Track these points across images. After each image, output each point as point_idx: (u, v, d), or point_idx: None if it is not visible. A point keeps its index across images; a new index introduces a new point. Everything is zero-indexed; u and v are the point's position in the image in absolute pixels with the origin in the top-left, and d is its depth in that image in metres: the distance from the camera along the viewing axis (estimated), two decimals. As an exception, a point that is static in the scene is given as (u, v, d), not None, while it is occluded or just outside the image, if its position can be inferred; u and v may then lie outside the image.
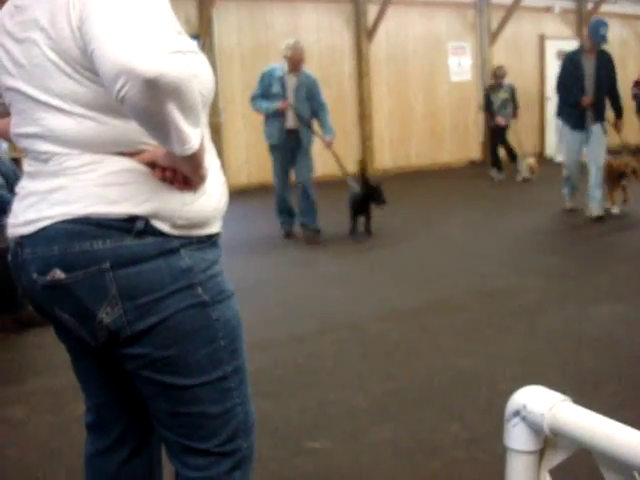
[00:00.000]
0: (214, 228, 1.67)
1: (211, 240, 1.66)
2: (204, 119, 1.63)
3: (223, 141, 11.64)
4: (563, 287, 5.42)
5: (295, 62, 7.33)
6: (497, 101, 12.03)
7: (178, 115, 1.32)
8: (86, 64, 1.42)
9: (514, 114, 12.24)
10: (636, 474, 0.96)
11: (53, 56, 1.46)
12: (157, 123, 1.33)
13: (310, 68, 13.27)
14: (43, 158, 1.54)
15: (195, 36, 11.37)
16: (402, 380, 3.76)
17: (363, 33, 12.91)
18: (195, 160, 1.45)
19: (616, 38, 16.27)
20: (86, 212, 1.49)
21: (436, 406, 3.42)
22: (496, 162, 12.18)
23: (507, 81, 12.29)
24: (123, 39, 1.28)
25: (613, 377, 3.69)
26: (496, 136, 12.20)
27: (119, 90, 1.28)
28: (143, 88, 1.27)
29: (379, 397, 3.55)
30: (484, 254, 6.69)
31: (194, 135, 1.38)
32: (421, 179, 12.68)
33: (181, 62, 1.31)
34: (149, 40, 1.29)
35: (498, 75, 12.20)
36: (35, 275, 1.55)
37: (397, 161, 13.72)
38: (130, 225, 1.50)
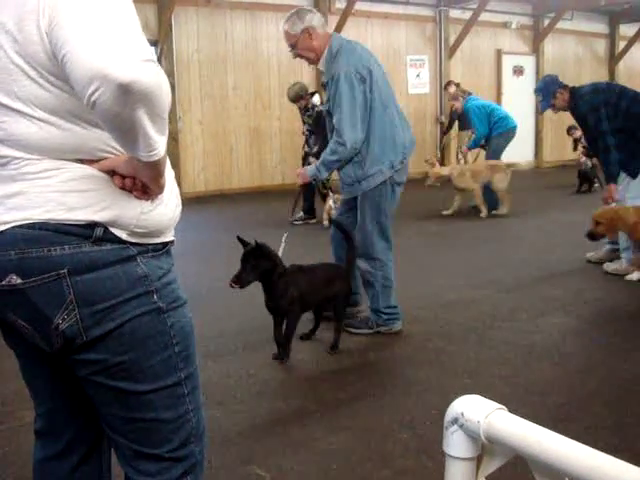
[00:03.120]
0: (168, 237, 1.69)
1: (165, 248, 1.68)
2: None
3: (180, 148, 11.61)
4: (514, 299, 5.50)
5: None
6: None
7: (147, 122, 1.34)
8: (52, 69, 1.42)
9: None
10: (568, 480, 0.99)
11: (18, 60, 1.44)
12: (127, 129, 1.35)
13: (270, 78, 13.37)
14: (0, 162, 1.52)
15: (153, 42, 11.32)
16: (354, 389, 3.78)
17: (323, 44, 12.97)
18: (157, 168, 1.48)
19: (571, 55, 16.66)
20: (45, 218, 1.48)
21: (387, 415, 3.44)
22: None
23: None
24: (98, 44, 1.30)
25: (561, 388, 3.76)
26: None
27: (91, 94, 1.30)
28: (116, 93, 1.28)
29: (331, 406, 3.57)
30: (437, 266, 6.76)
31: (161, 142, 1.41)
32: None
33: (154, 70, 1.33)
34: (124, 47, 1.31)
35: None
36: None
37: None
38: (89, 232, 1.51)
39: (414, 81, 14.61)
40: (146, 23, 11.19)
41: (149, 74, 1.31)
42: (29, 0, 1.39)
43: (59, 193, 1.49)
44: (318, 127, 8.70)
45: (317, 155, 8.16)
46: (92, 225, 1.51)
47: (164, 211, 1.63)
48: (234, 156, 12.44)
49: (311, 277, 4.38)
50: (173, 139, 11.33)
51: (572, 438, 1.01)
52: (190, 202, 11.15)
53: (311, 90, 9.27)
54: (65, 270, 1.49)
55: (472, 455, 1.09)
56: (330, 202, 8.41)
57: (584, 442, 1.02)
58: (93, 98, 1.30)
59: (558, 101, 6.47)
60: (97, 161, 1.52)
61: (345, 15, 12.91)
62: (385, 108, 4.39)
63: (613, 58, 18.27)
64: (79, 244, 1.50)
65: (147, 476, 1.72)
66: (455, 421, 1.08)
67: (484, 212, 9.63)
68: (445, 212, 9.91)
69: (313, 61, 4.61)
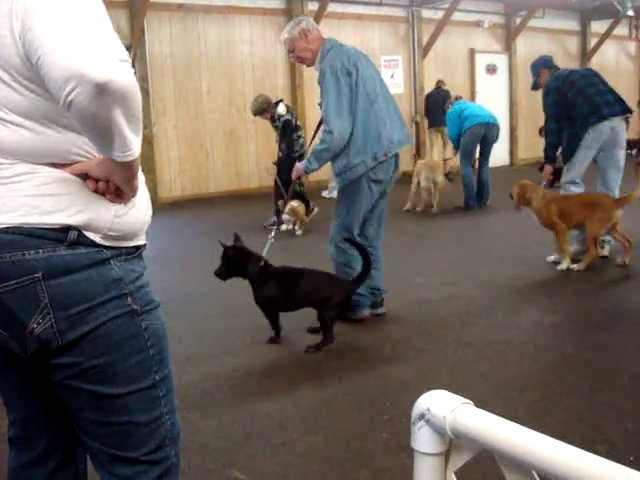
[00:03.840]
0: (141, 240, 1.70)
1: (138, 252, 1.69)
2: None
3: (155, 153, 11.56)
4: (490, 296, 5.54)
5: None
6: None
7: (123, 122, 1.36)
8: (26, 73, 1.42)
9: None
10: (534, 473, 1.00)
11: None
12: (102, 128, 1.36)
13: (243, 80, 13.35)
14: None
15: (126, 47, 11.23)
16: (333, 390, 3.79)
17: (296, 46, 12.98)
18: (131, 169, 1.49)
19: (543, 53, 16.73)
20: (19, 222, 1.48)
21: (366, 414, 3.45)
22: None
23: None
24: (74, 45, 1.31)
25: (538, 383, 3.79)
26: None
27: (68, 94, 1.30)
28: (93, 93, 1.30)
29: (310, 407, 3.57)
30: (414, 264, 6.79)
31: (136, 142, 1.42)
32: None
33: (129, 70, 1.35)
34: (100, 47, 1.33)
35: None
36: None
37: (329, 173, 13.80)
38: (63, 235, 1.51)
39: (388, 81, 14.50)
40: (119, 28, 11.13)
41: (125, 74, 1.33)
42: (2, 4, 1.39)
43: (33, 197, 1.49)
44: (285, 137, 8.91)
45: (286, 160, 8.49)
46: (66, 229, 1.51)
47: (137, 214, 1.64)
48: (210, 160, 12.40)
49: (295, 280, 4.50)
50: (148, 144, 11.28)
51: (550, 432, 1.02)
52: (167, 207, 11.12)
53: (276, 99, 9.23)
54: (40, 274, 1.49)
55: (440, 450, 1.10)
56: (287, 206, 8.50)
57: (562, 436, 1.03)
58: (70, 98, 1.30)
59: (541, 80, 6.95)
60: (70, 165, 1.53)
61: (318, 17, 12.91)
62: (372, 103, 4.60)
63: (585, 55, 18.42)
64: (53, 248, 1.50)
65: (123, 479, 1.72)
66: (422, 417, 1.09)
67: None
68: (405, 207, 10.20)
69: (310, 62, 4.87)
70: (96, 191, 1.54)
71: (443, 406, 1.07)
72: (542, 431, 1.02)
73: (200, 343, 4.62)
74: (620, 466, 0.94)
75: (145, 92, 11.33)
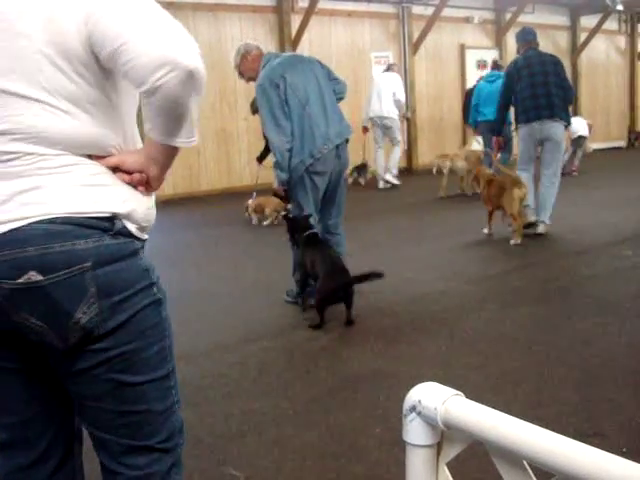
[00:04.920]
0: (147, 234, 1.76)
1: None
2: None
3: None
4: (483, 290, 5.55)
5: None
6: None
7: (195, 109, 1.51)
8: (86, 60, 1.47)
9: None
10: (525, 462, 1.01)
11: (48, 50, 1.46)
12: (179, 114, 1.49)
13: (235, 79, 13.29)
14: (6, 158, 1.49)
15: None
16: (327, 385, 3.79)
17: (287, 43, 12.99)
18: (172, 160, 1.64)
19: (533, 47, 16.78)
20: (68, 211, 1.50)
21: (360, 410, 3.46)
22: None
23: None
24: (164, 35, 1.43)
25: (531, 376, 3.80)
26: None
27: (159, 78, 1.41)
28: (184, 78, 1.42)
29: (304, 403, 3.58)
30: (407, 259, 6.80)
31: (197, 130, 1.57)
32: (347, 186, 12.77)
33: (203, 63, 1.46)
34: (186, 38, 1.45)
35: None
36: None
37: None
38: (109, 225, 1.55)
39: (379, 78, 14.64)
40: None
41: (203, 66, 1.46)
42: None
43: (81, 187, 1.52)
44: None
45: None
46: (112, 218, 1.55)
47: (155, 208, 1.73)
48: (201, 158, 12.39)
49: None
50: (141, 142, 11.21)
51: (542, 424, 1.03)
52: (159, 206, 10.99)
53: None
54: (89, 263, 1.52)
55: (431, 442, 1.10)
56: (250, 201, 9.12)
57: (555, 428, 1.03)
58: (160, 82, 1.41)
59: (519, 51, 7.83)
60: (104, 157, 1.58)
61: (308, 14, 12.92)
62: (304, 107, 5.03)
63: (575, 50, 18.47)
64: (100, 237, 1.53)
65: (137, 469, 1.73)
66: (413, 409, 1.10)
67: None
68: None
69: (256, 79, 5.26)
70: (130, 183, 1.60)
71: (434, 398, 1.08)
72: (535, 423, 1.03)
73: (194, 340, 4.61)
74: (612, 455, 0.94)
75: (136, 91, 11.30)
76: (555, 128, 7.31)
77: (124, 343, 1.61)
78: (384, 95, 12.27)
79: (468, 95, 12.82)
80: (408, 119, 15.02)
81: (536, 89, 7.26)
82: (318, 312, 4.79)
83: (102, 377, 1.63)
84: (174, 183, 12.02)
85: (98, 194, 1.54)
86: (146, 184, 1.64)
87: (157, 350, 1.68)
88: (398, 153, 12.84)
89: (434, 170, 12.27)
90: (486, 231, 7.70)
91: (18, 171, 1.49)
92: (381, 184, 12.66)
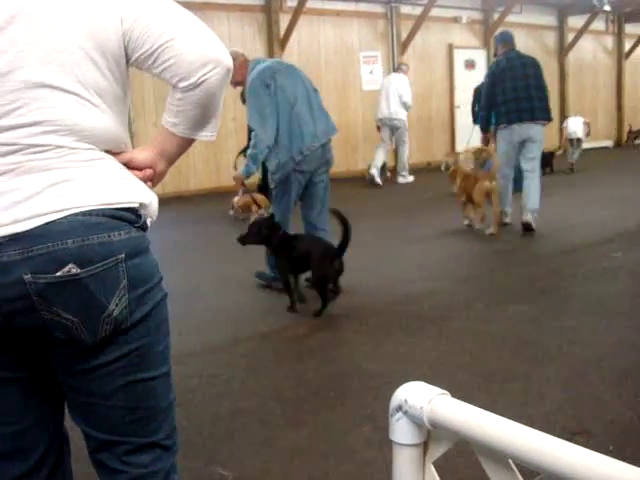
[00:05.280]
0: None
1: None
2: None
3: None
4: (471, 290, 5.57)
5: None
6: None
7: (220, 106, 1.64)
8: (119, 57, 1.54)
9: None
10: (511, 461, 1.01)
11: (87, 44, 1.49)
12: (213, 108, 1.61)
13: (223, 77, 13.19)
14: (34, 150, 1.48)
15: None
16: (315, 385, 3.79)
17: (275, 42, 12.98)
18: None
19: (521, 48, 16.84)
20: (102, 202, 1.52)
21: (348, 409, 3.47)
22: None
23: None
24: (205, 35, 1.55)
25: (519, 375, 3.82)
26: None
27: (204, 74, 1.52)
28: (224, 75, 1.56)
29: (292, 403, 3.58)
30: (395, 259, 6.81)
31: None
32: (335, 187, 12.77)
33: None
34: (218, 39, 1.57)
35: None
36: (29, 276, 1.46)
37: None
38: (136, 218, 1.59)
39: (368, 77, 14.66)
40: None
41: None
42: None
43: (112, 179, 1.56)
44: None
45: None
46: (138, 210, 1.60)
47: None
48: (190, 157, 12.35)
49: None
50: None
51: (530, 423, 1.03)
52: (147, 205, 11.07)
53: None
54: (123, 255, 1.53)
55: (418, 441, 1.11)
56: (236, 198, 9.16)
57: (542, 426, 1.04)
58: (204, 78, 1.52)
59: (498, 53, 8.22)
60: (117, 154, 1.61)
61: (297, 13, 12.91)
62: (292, 106, 5.31)
63: (563, 50, 18.55)
64: (129, 229, 1.56)
65: (141, 468, 1.72)
66: (399, 408, 1.10)
67: None
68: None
69: (243, 83, 5.53)
70: (141, 178, 1.65)
71: (420, 397, 1.08)
72: (522, 422, 1.03)
73: (181, 340, 4.59)
74: (597, 454, 0.95)
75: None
76: (535, 130, 7.71)
77: (142, 337, 1.62)
78: (391, 96, 12.61)
79: (477, 93, 13.05)
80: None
81: (518, 92, 7.61)
82: (321, 293, 4.96)
83: (119, 372, 1.62)
84: (162, 182, 11.88)
85: (126, 186, 1.59)
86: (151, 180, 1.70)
87: (165, 345, 1.71)
88: (406, 153, 13.17)
89: (442, 167, 12.46)
90: (466, 222, 8.20)
91: (47, 164, 1.49)
92: (378, 180, 12.88)
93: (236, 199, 9.27)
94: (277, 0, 13.00)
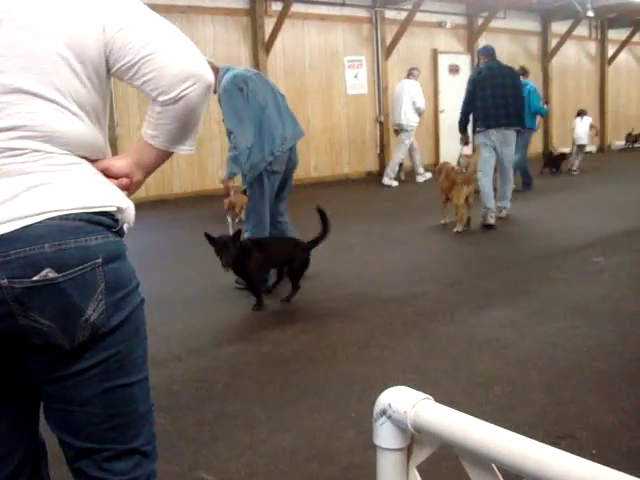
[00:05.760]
0: None
1: None
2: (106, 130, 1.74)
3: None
4: (455, 294, 5.59)
5: None
6: None
7: (201, 120, 1.64)
8: (99, 65, 1.53)
9: None
10: (494, 465, 1.02)
11: (66, 52, 1.49)
12: (192, 123, 1.62)
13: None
14: (13, 154, 1.48)
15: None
16: (299, 390, 3.79)
17: (260, 46, 12.96)
18: (159, 166, 1.74)
19: (505, 53, 16.97)
20: (78, 206, 1.51)
21: (333, 413, 3.47)
22: None
23: None
24: (187, 49, 1.56)
25: (502, 379, 3.83)
26: None
27: (184, 89, 1.53)
28: (204, 91, 1.57)
29: (276, 407, 3.58)
30: (380, 263, 6.82)
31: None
32: (320, 190, 12.80)
33: None
34: (200, 54, 1.58)
35: None
36: (5, 281, 1.44)
37: (296, 173, 13.79)
38: (113, 222, 1.59)
39: (352, 82, 14.67)
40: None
41: None
42: (82, 1, 1.51)
43: (89, 183, 1.55)
44: None
45: None
46: (115, 215, 1.60)
47: None
48: (174, 160, 12.30)
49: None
50: (111, 146, 11.12)
51: (513, 427, 1.04)
52: (131, 209, 11.03)
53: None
54: (100, 259, 1.52)
55: (401, 446, 1.11)
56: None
57: (525, 430, 1.05)
58: (185, 92, 1.52)
59: (480, 64, 9.04)
60: (94, 161, 1.61)
61: (282, 17, 12.91)
62: (263, 110, 5.61)
63: (546, 55, 18.64)
64: (106, 234, 1.56)
65: (120, 475, 1.70)
66: (383, 412, 1.10)
67: None
68: None
69: (214, 88, 5.36)
70: (118, 186, 1.64)
71: (404, 402, 1.08)
72: (506, 426, 1.04)
73: (165, 345, 4.59)
74: (579, 458, 0.95)
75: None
76: (509, 135, 8.49)
77: (120, 342, 1.61)
78: (404, 102, 13.00)
79: None
80: (381, 123, 15.09)
81: (497, 100, 8.30)
82: (296, 282, 5.47)
83: (96, 378, 1.61)
84: (146, 186, 11.91)
85: (103, 190, 1.58)
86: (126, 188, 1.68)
87: (142, 351, 1.70)
88: (399, 158, 13.49)
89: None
90: (442, 222, 8.59)
91: (24, 167, 1.48)
92: (386, 180, 13.39)
93: (226, 200, 9.12)
94: (262, 4, 12.99)
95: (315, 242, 5.51)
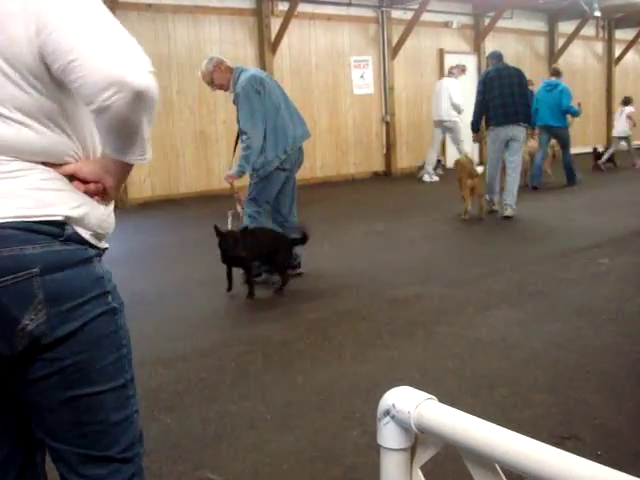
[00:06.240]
0: (107, 243, 1.73)
1: (104, 254, 1.72)
2: None
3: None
4: (460, 294, 5.58)
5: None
6: None
7: (146, 128, 1.50)
8: (37, 71, 1.46)
9: None
10: (497, 466, 1.02)
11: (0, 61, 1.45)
12: (130, 133, 1.49)
13: (213, 80, 13.22)
14: None
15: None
16: (303, 390, 3.79)
17: (266, 46, 12.97)
18: (128, 173, 1.63)
19: (512, 53, 16.94)
20: (18, 214, 1.48)
21: (337, 413, 3.47)
22: None
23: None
24: (114, 53, 1.42)
25: (507, 379, 3.83)
26: None
27: (107, 99, 1.40)
28: (131, 99, 1.42)
29: (281, 407, 3.58)
30: (385, 263, 6.82)
31: (150, 147, 1.56)
32: (326, 191, 12.81)
33: (155, 81, 1.45)
34: (136, 57, 1.45)
35: None
36: None
37: (302, 173, 13.79)
38: (59, 230, 1.54)
39: (358, 82, 14.67)
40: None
41: (155, 85, 1.46)
42: (14, 2, 1.43)
43: (34, 190, 1.51)
44: None
45: None
46: (62, 224, 1.54)
47: (112, 217, 1.71)
48: (180, 160, 12.33)
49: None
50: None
51: (518, 428, 1.04)
52: (137, 208, 11.06)
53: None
54: (37, 269, 1.49)
55: (405, 446, 1.11)
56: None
57: (530, 431, 1.05)
58: (108, 102, 1.40)
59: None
60: (60, 165, 1.56)
61: (288, 17, 12.91)
62: (278, 110, 5.94)
63: (553, 55, 18.60)
64: (49, 243, 1.52)
65: None
66: (387, 413, 1.11)
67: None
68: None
69: (227, 87, 6.12)
70: (86, 192, 1.59)
71: (408, 402, 1.08)
72: (510, 427, 1.04)
73: (170, 344, 4.60)
74: (582, 459, 0.95)
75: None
76: (517, 131, 9.11)
77: (77, 353, 1.59)
78: (442, 99, 13.34)
79: None
80: (387, 123, 15.08)
81: (505, 99, 8.99)
82: (284, 274, 5.87)
83: (57, 387, 1.61)
84: (152, 185, 11.96)
85: (49, 198, 1.53)
86: (102, 193, 1.63)
87: (113, 360, 1.66)
88: (464, 150, 13.19)
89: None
90: (463, 217, 9.10)
91: None
92: (426, 177, 13.72)
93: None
94: (268, 4, 13.00)
95: (297, 240, 5.94)
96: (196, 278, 6.51)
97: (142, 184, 11.80)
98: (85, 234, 1.59)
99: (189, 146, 12.43)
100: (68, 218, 1.54)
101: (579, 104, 13.90)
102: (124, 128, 1.47)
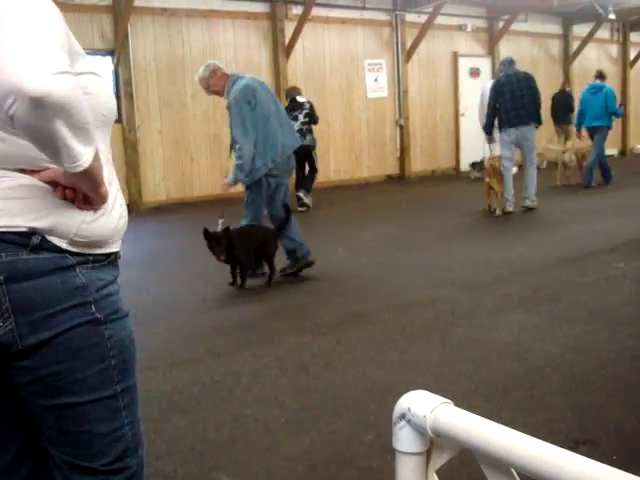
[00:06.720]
0: (113, 248, 1.68)
1: (109, 259, 1.67)
2: (107, 138, 1.66)
3: (140, 157, 11.52)
4: (474, 298, 5.56)
5: None
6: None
7: (67, 133, 1.35)
8: None
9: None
10: (513, 471, 1.01)
11: None
12: (46, 140, 1.37)
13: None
14: None
15: (110, 51, 11.22)
16: (318, 393, 3.80)
17: (280, 50, 13.00)
18: (91, 178, 1.49)
19: (526, 56, 16.89)
20: None
21: (351, 417, 3.47)
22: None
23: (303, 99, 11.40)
24: (11, 59, 1.31)
25: (522, 383, 3.81)
26: None
27: (8, 108, 1.31)
28: (29, 107, 1.30)
29: (295, 410, 3.58)
30: (399, 266, 6.81)
31: (85, 153, 1.41)
32: (339, 194, 12.82)
33: (68, 82, 1.33)
34: (36, 60, 1.31)
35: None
36: None
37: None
38: (26, 240, 1.50)
39: (372, 85, 14.68)
40: (102, 32, 11.11)
41: (62, 87, 1.32)
42: None
43: (0, 200, 1.48)
44: (312, 121, 11.23)
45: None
46: (30, 233, 1.50)
47: (106, 221, 1.63)
48: (194, 164, 12.38)
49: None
50: (133, 148, 11.25)
51: (533, 432, 1.04)
52: (151, 211, 11.11)
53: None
54: (1, 277, 1.48)
55: (421, 450, 1.11)
56: None
57: (545, 435, 1.05)
58: (10, 112, 1.31)
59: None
60: (39, 171, 1.52)
61: (302, 21, 12.93)
62: (268, 120, 6.22)
63: (567, 58, 18.54)
64: (16, 252, 1.49)
65: None
66: (403, 416, 1.10)
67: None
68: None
69: (221, 93, 6.41)
70: (64, 198, 1.54)
71: (423, 406, 1.08)
72: (525, 431, 1.04)
73: (185, 346, 4.61)
74: (598, 463, 0.95)
75: (129, 96, 11.29)
76: (528, 131, 9.85)
77: (55, 362, 1.57)
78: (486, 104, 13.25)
79: (554, 100, 15.04)
80: (401, 126, 15.08)
81: (515, 102, 9.71)
82: (273, 265, 6.24)
83: (39, 395, 1.60)
84: (167, 188, 12.01)
85: (15, 207, 1.50)
86: (84, 199, 1.56)
87: (97, 371, 1.62)
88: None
89: (544, 164, 14.29)
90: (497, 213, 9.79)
91: None
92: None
93: None
94: (282, 8, 13.03)
95: (279, 229, 6.35)
96: (210, 281, 6.52)
97: (157, 187, 11.85)
98: (60, 242, 1.54)
99: (203, 150, 12.47)
100: (33, 229, 1.51)
101: (621, 105, 14.02)
102: (38, 136, 1.37)
